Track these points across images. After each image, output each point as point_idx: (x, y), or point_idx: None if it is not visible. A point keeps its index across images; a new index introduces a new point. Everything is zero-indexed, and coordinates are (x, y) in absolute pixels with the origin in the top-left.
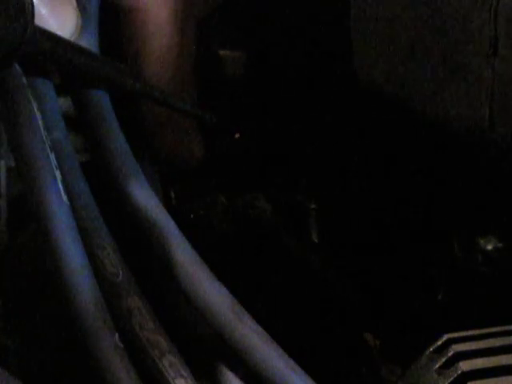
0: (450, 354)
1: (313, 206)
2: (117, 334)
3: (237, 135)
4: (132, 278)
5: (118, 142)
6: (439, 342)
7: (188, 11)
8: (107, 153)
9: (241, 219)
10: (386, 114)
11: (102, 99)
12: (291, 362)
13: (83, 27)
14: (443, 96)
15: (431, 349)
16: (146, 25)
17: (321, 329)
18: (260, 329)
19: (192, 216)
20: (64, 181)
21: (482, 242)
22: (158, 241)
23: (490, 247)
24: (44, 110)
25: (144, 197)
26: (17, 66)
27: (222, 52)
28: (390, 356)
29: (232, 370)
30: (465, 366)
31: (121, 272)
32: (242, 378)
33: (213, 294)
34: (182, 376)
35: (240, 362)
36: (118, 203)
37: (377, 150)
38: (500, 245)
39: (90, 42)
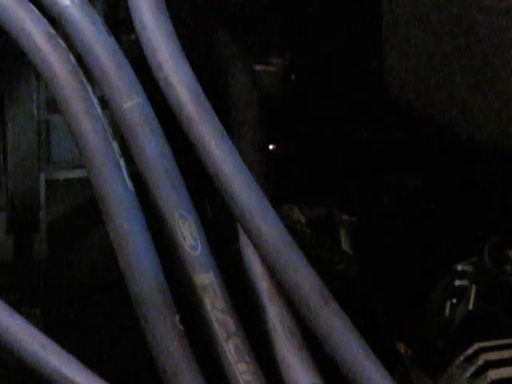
0: (480, 362)
1: (345, 217)
2: (177, 316)
3: (272, 147)
4: (211, 253)
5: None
6: (470, 351)
7: None
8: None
9: None
10: (418, 127)
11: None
12: (371, 354)
13: None
14: (474, 109)
15: (462, 358)
16: None
17: None
18: (345, 316)
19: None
20: (147, 144)
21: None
22: (246, 216)
23: None
24: (121, 78)
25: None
26: (72, 58)
27: (257, 67)
28: (421, 365)
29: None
30: (494, 374)
31: (200, 246)
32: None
33: (302, 275)
34: (245, 361)
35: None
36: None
37: (409, 162)
38: None
39: None
